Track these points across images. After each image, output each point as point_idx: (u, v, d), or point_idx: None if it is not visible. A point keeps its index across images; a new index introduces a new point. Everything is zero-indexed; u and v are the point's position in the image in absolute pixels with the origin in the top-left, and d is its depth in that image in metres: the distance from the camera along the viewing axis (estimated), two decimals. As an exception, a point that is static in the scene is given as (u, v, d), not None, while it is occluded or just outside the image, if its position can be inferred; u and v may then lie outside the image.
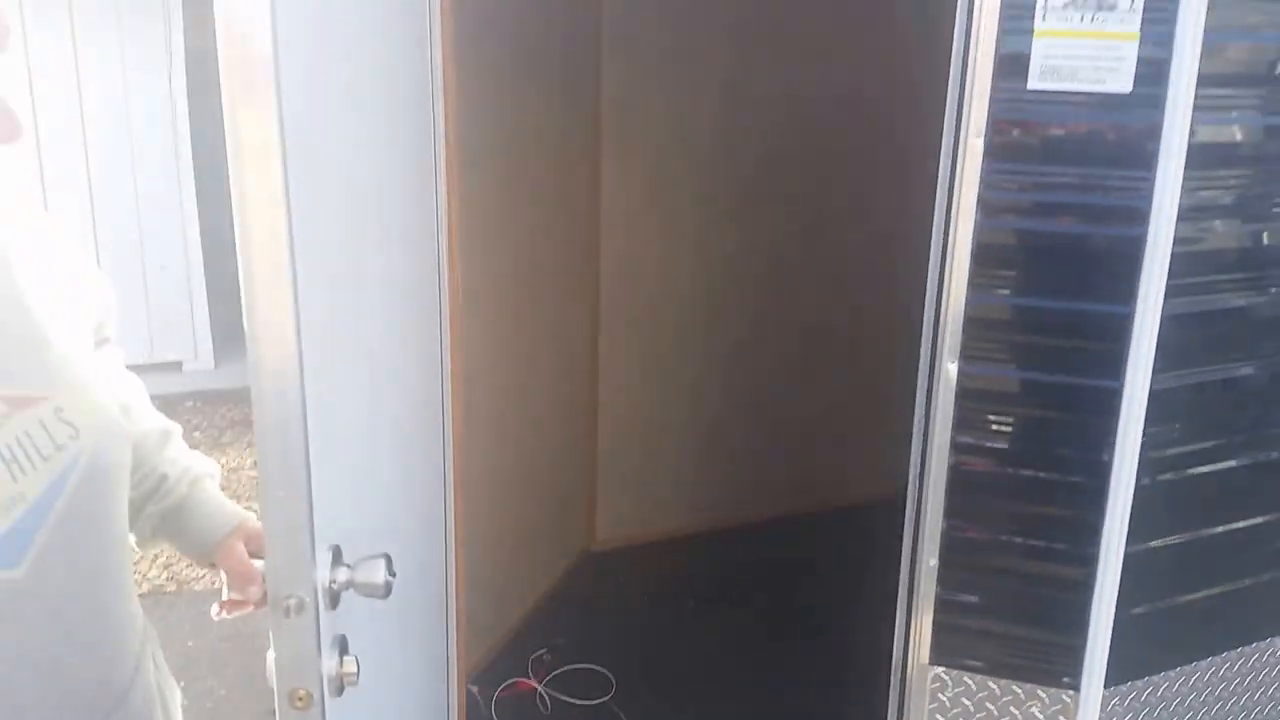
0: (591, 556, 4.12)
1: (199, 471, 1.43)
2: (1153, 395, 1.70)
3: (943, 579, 1.86)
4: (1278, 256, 1.79)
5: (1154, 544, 1.82)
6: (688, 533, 4.15)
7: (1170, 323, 1.69)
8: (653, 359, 3.94)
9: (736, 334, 4.01)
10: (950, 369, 1.76)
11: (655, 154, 3.72)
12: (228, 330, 7.12)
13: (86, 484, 1.09)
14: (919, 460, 1.83)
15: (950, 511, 1.83)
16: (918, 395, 1.80)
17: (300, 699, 1.16)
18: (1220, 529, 1.91)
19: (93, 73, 6.30)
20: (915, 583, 1.89)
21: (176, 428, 1.46)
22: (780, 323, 4.03)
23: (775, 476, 4.21)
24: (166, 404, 6.46)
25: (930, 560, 1.86)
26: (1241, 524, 1.93)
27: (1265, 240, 1.79)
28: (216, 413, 6.41)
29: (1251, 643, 1.98)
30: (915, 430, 1.82)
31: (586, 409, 3.88)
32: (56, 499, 1.05)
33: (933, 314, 1.75)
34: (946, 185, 1.69)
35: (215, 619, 1.46)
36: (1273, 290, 1.81)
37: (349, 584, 1.26)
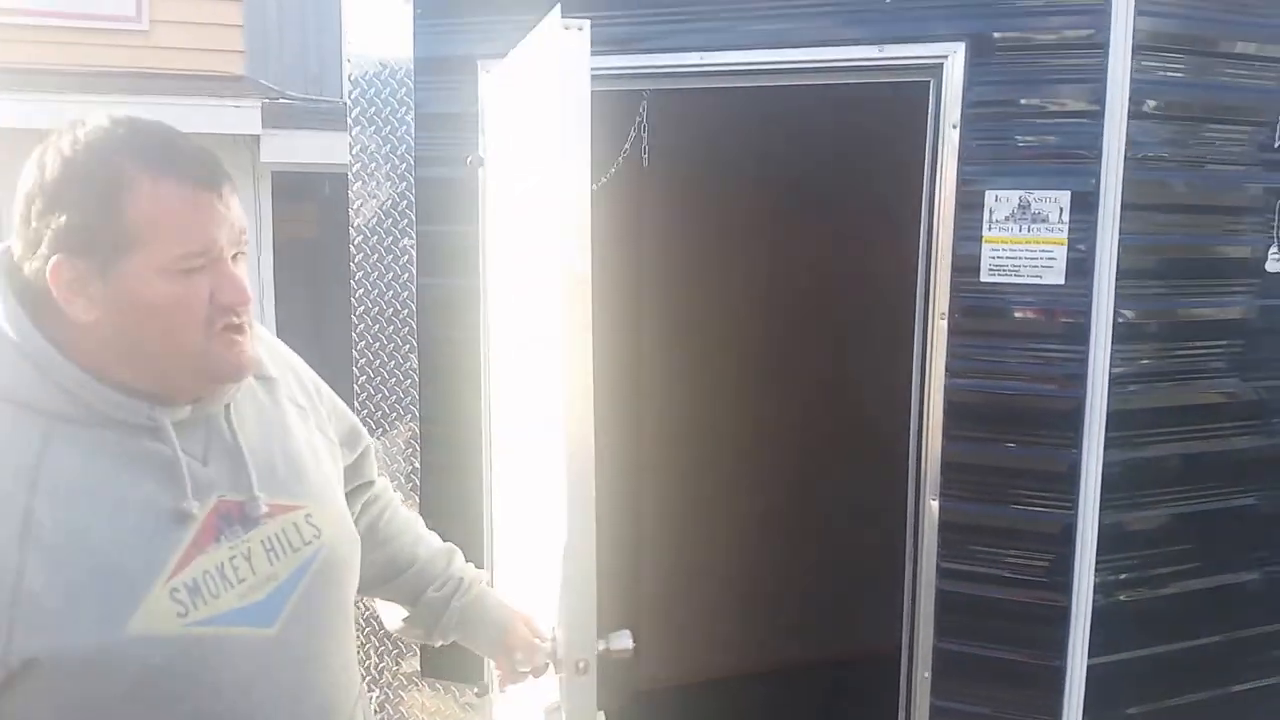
0: (640, 696, 4.38)
1: (482, 577, 1.76)
2: (1103, 527, 2.07)
3: (935, 689, 2.20)
4: (1204, 410, 2.18)
5: (1116, 657, 2.15)
6: (733, 674, 4.40)
7: (1114, 465, 2.07)
8: (696, 505, 4.30)
9: (780, 481, 4.34)
10: (932, 505, 2.14)
11: (694, 319, 4.17)
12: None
13: (323, 571, 1.40)
14: (910, 584, 2.20)
15: (940, 630, 2.18)
16: (907, 529, 2.18)
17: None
18: (1178, 645, 2.23)
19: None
20: (911, 693, 2.23)
21: (456, 548, 1.76)
22: (822, 470, 4.36)
23: (820, 620, 4.47)
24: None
25: (924, 673, 2.20)
26: (1195, 642, 2.24)
27: (1193, 399, 2.18)
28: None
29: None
30: (907, 557, 2.20)
31: (633, 551, 4.22)
32: (301, 579, 1.36)
33: (915, 459, 2.14)
34: (920, 356, 2.11)
35: (502, 691, 1.84)
36: (1203, 439, 2.19)
37: (606, 649, 1.63)
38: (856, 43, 2.07)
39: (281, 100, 7.37)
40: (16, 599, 1.16)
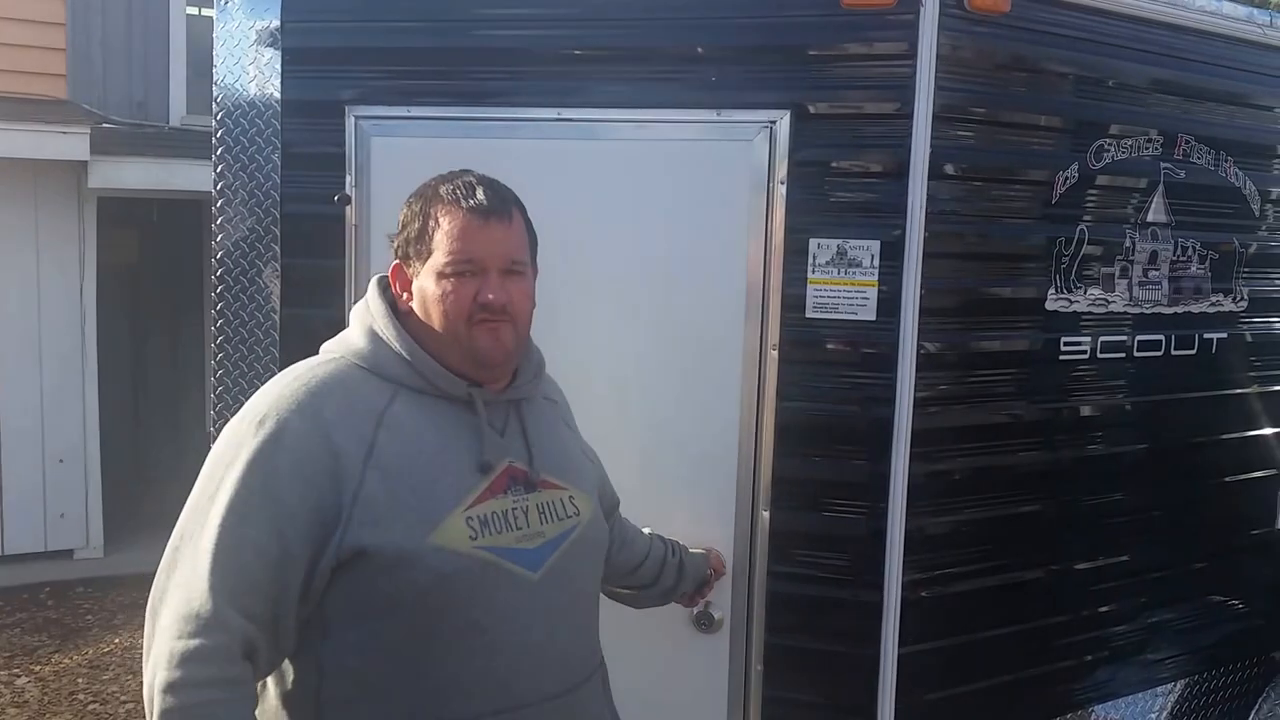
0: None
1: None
2: (908, 531, 2.36)
3: (767, 679, 2.45)
4: (995, 429, 2.51)
5: (922, 647, 2.44)
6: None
7: (918, 477, 2.37)
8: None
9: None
10: (764, 516, 2.40)
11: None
12: (118, 520, 7.36)
13: (579, 544, 1.77)
14: (746, 588, 2.44)
15: (769, 627, 2.43)
16: (736, 537, 2.43)
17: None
18: (975, 636, 2.55)
19: (10, 280, 6.74)
20: (747, 686, 2.47)
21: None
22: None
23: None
24: (56, 590, 6.63)
25: (756, 666, 2.45)
26: (989, 633, 2.57)
27: (985, 419, 2.50)
28: (107, 598, 6.57)
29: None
30: (738, 562, 2.44)
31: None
32: (562, 543, 1.72)
33: (751, 475, 2.40)
34: (755, 384, 2.37)
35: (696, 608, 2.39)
36: (995, 454, 2.52)
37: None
38: (699, 106, 2.33)
39: (106, 125, 7.19)
40: (356, 500, 1.56)
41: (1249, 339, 2.94)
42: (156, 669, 1.50)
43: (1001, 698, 2.62)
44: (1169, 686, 2.99)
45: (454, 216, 1.68)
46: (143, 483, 8.66)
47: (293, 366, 1.72)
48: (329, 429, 1.58)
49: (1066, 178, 2.48)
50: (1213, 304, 2.81)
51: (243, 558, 1.52)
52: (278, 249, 2.60)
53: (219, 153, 2.59)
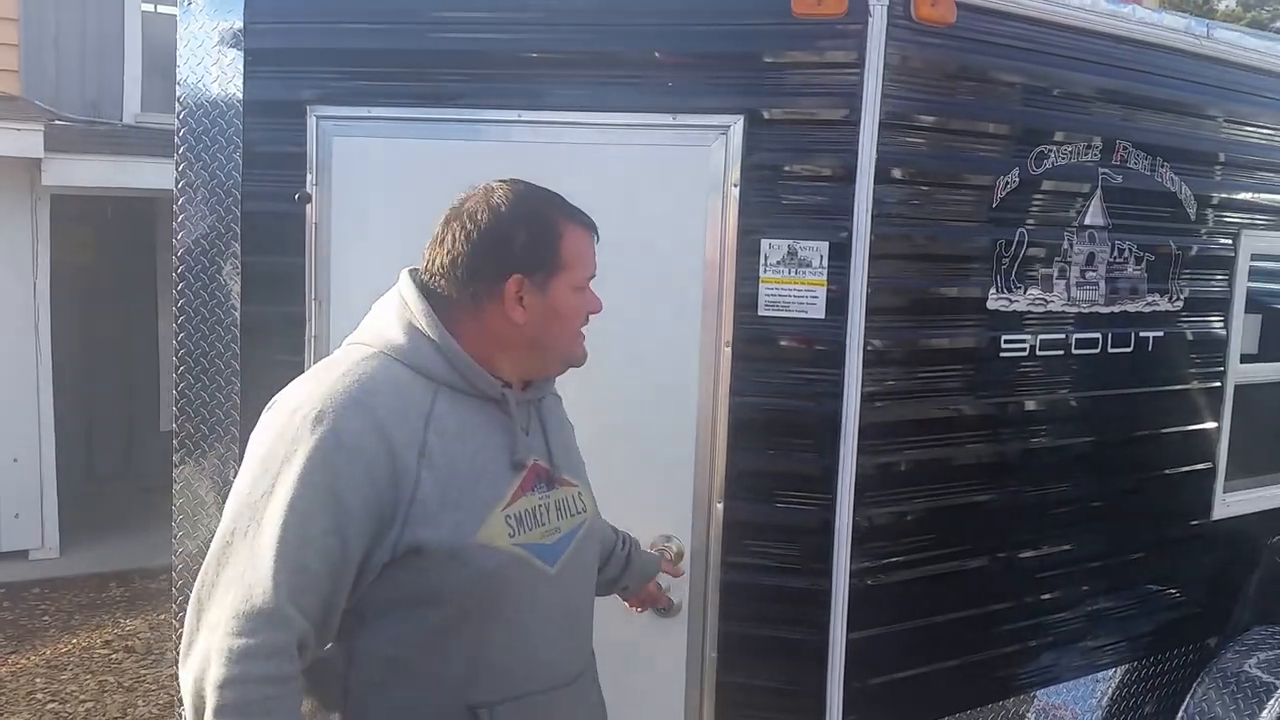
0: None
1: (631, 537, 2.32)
2: (856, 521, 2.45)
3: (721, 665, 2.52)
4: (940, 423, 2.60)
5: (869, 633, 2.52)
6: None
7: (865, 469, 2.45)
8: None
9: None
10: (718, 508, 2.47)
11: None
12: (73, 520, 7.31)
13: (586, 539, 1.88)
14: (703, 577, 2.52)
15: (724, 614, 2.51)
16: (693, 529, 2.50)
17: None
18: (921, 622, 2.64)
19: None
20: (703, 671, 2.54)
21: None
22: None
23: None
24: (12, 591, 6.57)
25: (711, 653, 2.53)
26: (935, 619, 2.66)
27: (930, 414, 2.59)
28: (64, 598, 6.54)
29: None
30: (694, 553, 2.51)
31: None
32: (574, 538, 1.83)
33: (706, 467, 2.47)
34: (711, 379, 2.45)
35: (637, 612, 2.41)
36: (940, 447, 2.61)
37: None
38: (657, 110, 2.39)
39: (58, 122, 7.13)
40: (413, 500, 1.63)
41: (1186, 337, 3.06)
42: (209, 664, 1.54)
43: (947, 682, 2.71)
44: (1110, 672, 3.10)
45: (578, 233, 1.81)
46: (96, 482, 8.60)
47: (333, 358, 1.76)
48: (385, 427, 1.63)
49: (1007, 182, 2.58)
50: (1149, 304, 2.92)
51: (304, 557, 1.56)
52: (238, 246, 2.64)
53: (181, 151, 2.62)
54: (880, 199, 2.38)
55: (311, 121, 2.55)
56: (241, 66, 2.57)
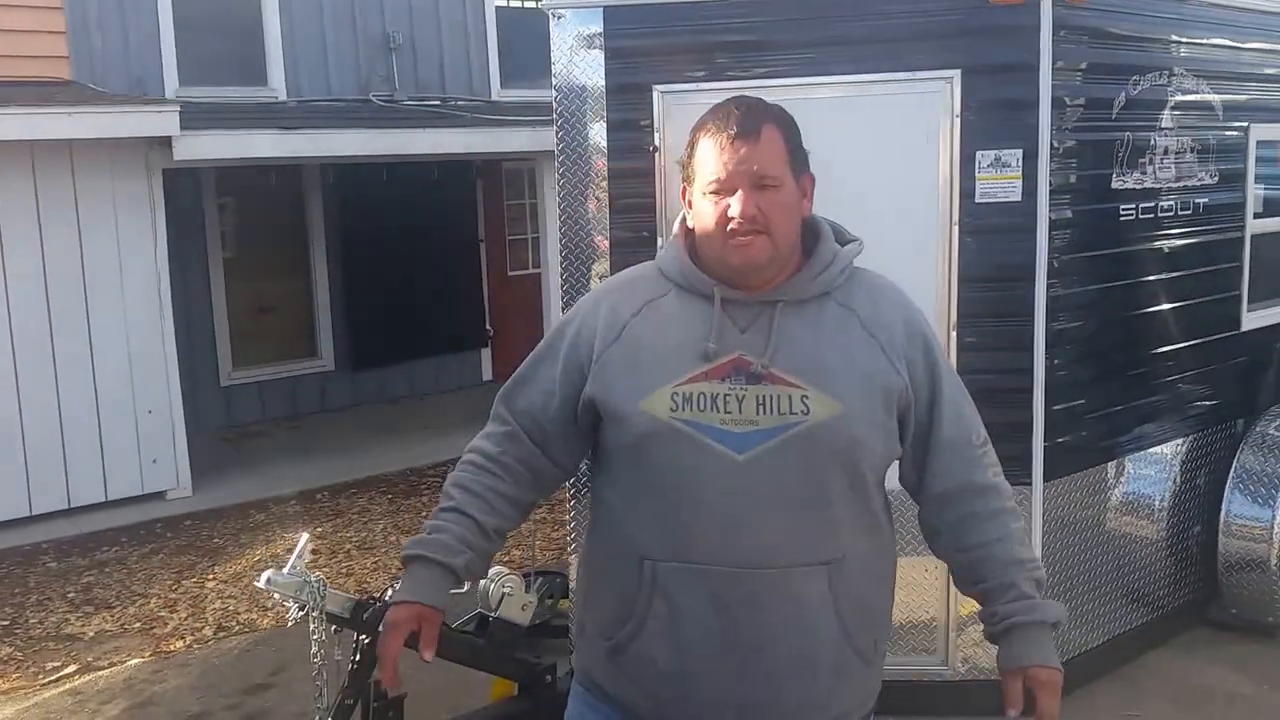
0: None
1: None
2: (1048, 336, 3.72)
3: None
4: (1117, 258, 3.88)
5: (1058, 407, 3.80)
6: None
7: (1053, 300, 3.71)
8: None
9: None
10: (953, 334, 3.71)
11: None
12: (202, 462, 8.20)
13: (799, 442, 1.82)
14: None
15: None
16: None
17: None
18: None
19: (94, 252, 7.45)
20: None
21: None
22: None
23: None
24: (168, 524, 7.39)
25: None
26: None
27: (1088, 256, 3.86)
28: (218, 525, 7.35)
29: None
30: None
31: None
32: (777, 436, 1.81)
33: (945, 304, 3.70)
34: (946, 249, 3.67)
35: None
36: (1095, 282, 3.88)
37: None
38: (905, 69, 3.60)
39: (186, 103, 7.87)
40: (599, 360, 1.90)
41: (1221, 202, 4.39)
42: None
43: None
44: (1176, 449, 4.44)
45: (709, 141, 1.84)
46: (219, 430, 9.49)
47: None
48: (601, 306, 1.95)
49: (1118, 102, 3.86)
50: (1198, 180, 4.27)
51: (524, 374, 2.04)
52: (604, 186, 3.74)
53: (559, 123, 3.72)
54: (1055, 121, 3.62)
55: (655, 96, 3.67)
56: (602, 61, 3.67)
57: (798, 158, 1.89)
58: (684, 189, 1.94)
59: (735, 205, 1.82)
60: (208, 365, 9.67)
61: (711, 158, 1.84)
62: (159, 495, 7.91)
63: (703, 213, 1.88)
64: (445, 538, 1.93)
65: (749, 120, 1.83)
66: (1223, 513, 4.46)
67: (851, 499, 1.87)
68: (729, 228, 1.83)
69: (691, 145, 1.90)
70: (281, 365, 10.17)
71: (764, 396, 1.82)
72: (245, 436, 9.65)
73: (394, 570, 6.13)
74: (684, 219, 1.97)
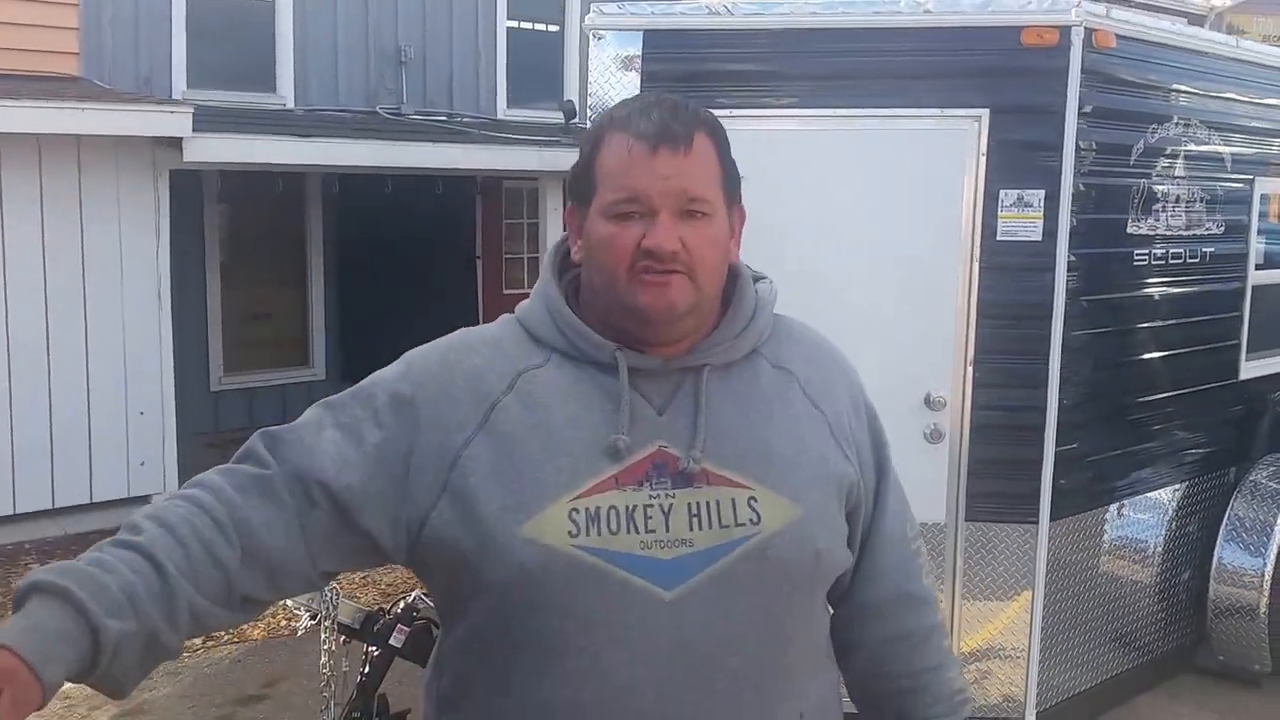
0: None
1: None
2: (1061, 377, 3.79)
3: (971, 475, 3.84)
4: (1126, 302, 3.96)
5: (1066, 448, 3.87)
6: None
7: (1067, 341, 3.79)
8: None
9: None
10: (969, 369, 3.78)
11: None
12: (187, 467, 8.13)
13: (750, 561, 1.31)
14: (958, 417, 3.83)
15: (973, 441, 3.82)
16: (952, 384, 3.81)
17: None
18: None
19: (95, 249, 7.43)
20: (959, 481, 3.86)
21: None
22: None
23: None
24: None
25: (962, 468, 3.84)
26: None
27: (1102, 299, 3.94)
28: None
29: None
30: (953, 402, 3.83)
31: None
32: (719, 557, 1.30)
33: (961, 342, 3.78)
34: (966, 283, 3.74)
35: None
36: (1109, 321, 3.97)
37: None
38: (934, 106, 3.68)
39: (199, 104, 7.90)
40: (455, 464, 1.31)
41: (1224, 251, 4.50)
42: None
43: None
44: (1169, 497, 4.51)
45: (618, 144, 1.33)
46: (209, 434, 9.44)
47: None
48: (461, 376, 1.38)
49: (1137, 149, 3.96)
50: (1205, 229, 4.37)
51: (305, 431, 1.42)
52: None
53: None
54: (1078, 164, 3.71)
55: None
56: (639, 84, 3.73)
57: (731, 181, 1.40)
58: (571, 208, 1.42)
59: (653, 234, 1.30)
60: (198, 369, 9.62)
61: (622, 167, 1.33)
62: (145, 499, 7.85)
63: (601, 240, 1.34)
64: (110, 581, 1.20)
65: (678, 123, 1.33)
66: (1214, 559, 4.53)
67: (806, 637, 1.43)
68: (639, 263, 1.31)
69: (592, 146, 1.37)
70: (273, 373, 10.15)
71: (698, 504, 1.33)
72: (233, 443, 9.31)
73: (401, 576, 6.11)
74: (557, 254, 1.45)
